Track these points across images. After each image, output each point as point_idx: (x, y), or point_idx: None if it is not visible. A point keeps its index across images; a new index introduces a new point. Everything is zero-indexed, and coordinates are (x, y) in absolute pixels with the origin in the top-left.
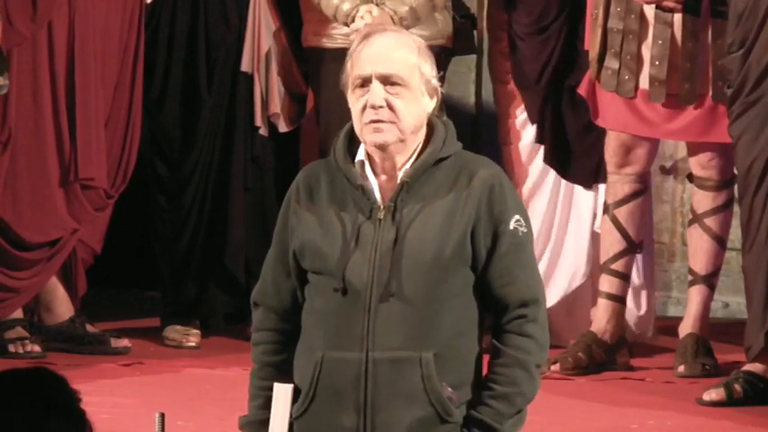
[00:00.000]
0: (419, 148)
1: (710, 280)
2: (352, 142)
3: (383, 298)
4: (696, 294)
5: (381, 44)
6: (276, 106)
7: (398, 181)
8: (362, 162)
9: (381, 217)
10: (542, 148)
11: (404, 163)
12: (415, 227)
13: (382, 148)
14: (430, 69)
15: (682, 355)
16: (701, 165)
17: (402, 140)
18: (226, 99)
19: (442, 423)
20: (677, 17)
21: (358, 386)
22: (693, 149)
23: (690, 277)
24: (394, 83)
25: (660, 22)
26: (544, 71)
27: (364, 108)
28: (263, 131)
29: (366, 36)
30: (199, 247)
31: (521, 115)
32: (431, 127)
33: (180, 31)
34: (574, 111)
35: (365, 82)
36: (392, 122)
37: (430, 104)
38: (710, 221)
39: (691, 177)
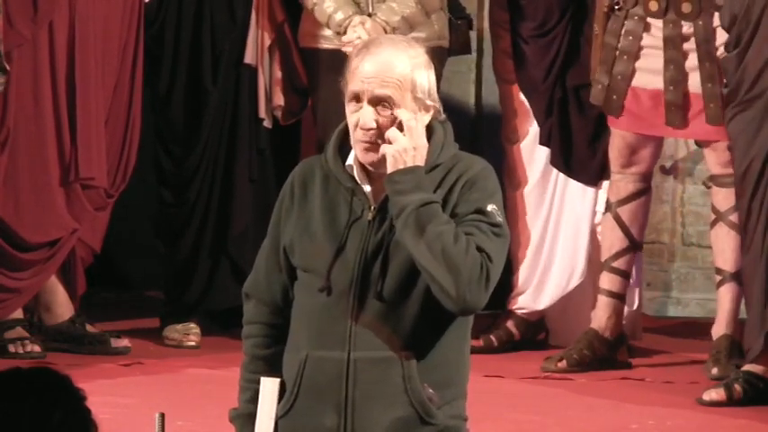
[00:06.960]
0: None
1: (740, 276)
2: (345, 143)
3: (367, 299)
4: (726, 293)
5: (376, 62)
6: (280, 99)
7: None
8: (352, 166)
9: (371, 218)
10: (545, 148)
11: None
12: None
13: (372, 165)
14: (426, 84)
15: (715, 356)
16: (721, 164)
17: None
18: (231, 91)
19: (422, 424)
20: (689, 39)
21: (339, 386)
22: (709, 150)
23: (718, 277)
24: (385, 105)
25: (670, 48)
26: (550, 72)
27: (357, 125)
28: (266, 124)
29: (364, 48)
30: (205, 240)
31: (525, 115)
32: (430, 130)
33: (186, 25)
34: (580, 111)
35: (359, 99)
36: (380, 144)
37: (425, 118)
38: (735, 217)
39: (707, 184)
